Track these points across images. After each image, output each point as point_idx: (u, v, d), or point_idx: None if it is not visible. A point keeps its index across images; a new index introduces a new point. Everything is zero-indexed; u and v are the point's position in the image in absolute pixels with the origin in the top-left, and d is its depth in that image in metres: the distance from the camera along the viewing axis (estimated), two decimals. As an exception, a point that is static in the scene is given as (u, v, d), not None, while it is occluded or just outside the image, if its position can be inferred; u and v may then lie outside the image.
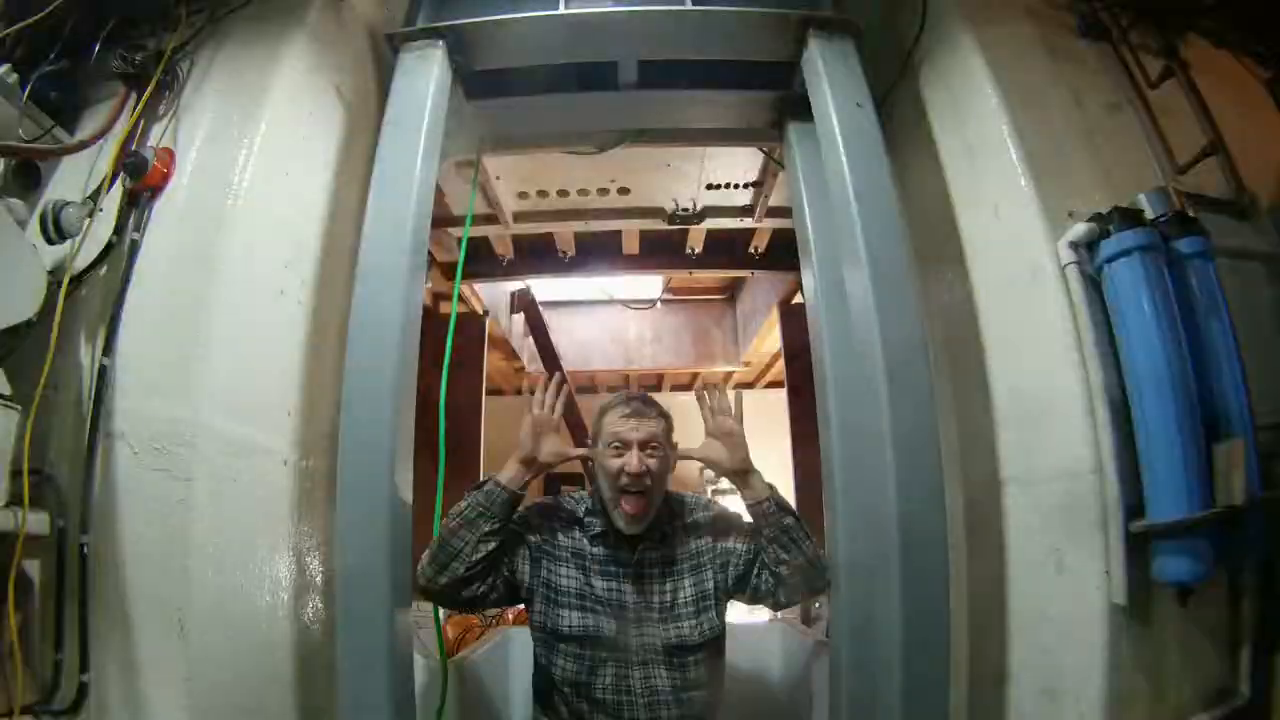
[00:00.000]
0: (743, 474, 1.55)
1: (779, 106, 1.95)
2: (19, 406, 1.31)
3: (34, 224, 1.40)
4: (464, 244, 2.02)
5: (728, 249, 3.64)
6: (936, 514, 1.30)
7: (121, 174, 1.48)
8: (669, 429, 1.58)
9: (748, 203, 3.04)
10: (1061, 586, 1.34)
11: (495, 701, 2.36)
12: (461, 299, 4.01)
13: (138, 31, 1.67)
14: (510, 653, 2.51)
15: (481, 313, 4.24)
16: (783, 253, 3.41)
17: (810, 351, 1.78)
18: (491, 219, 3.08)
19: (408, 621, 1.44)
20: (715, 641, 1.56)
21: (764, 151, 2.59)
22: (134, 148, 1.52)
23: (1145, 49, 1.74)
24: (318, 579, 1.60)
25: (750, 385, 6.89)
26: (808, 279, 1.83)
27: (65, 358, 1.39)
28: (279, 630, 1.48)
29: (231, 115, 1.56)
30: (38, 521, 1.28)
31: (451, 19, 1.74)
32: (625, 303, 5.42)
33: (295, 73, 1.65)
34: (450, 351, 1.75)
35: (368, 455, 1.38)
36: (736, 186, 2.94)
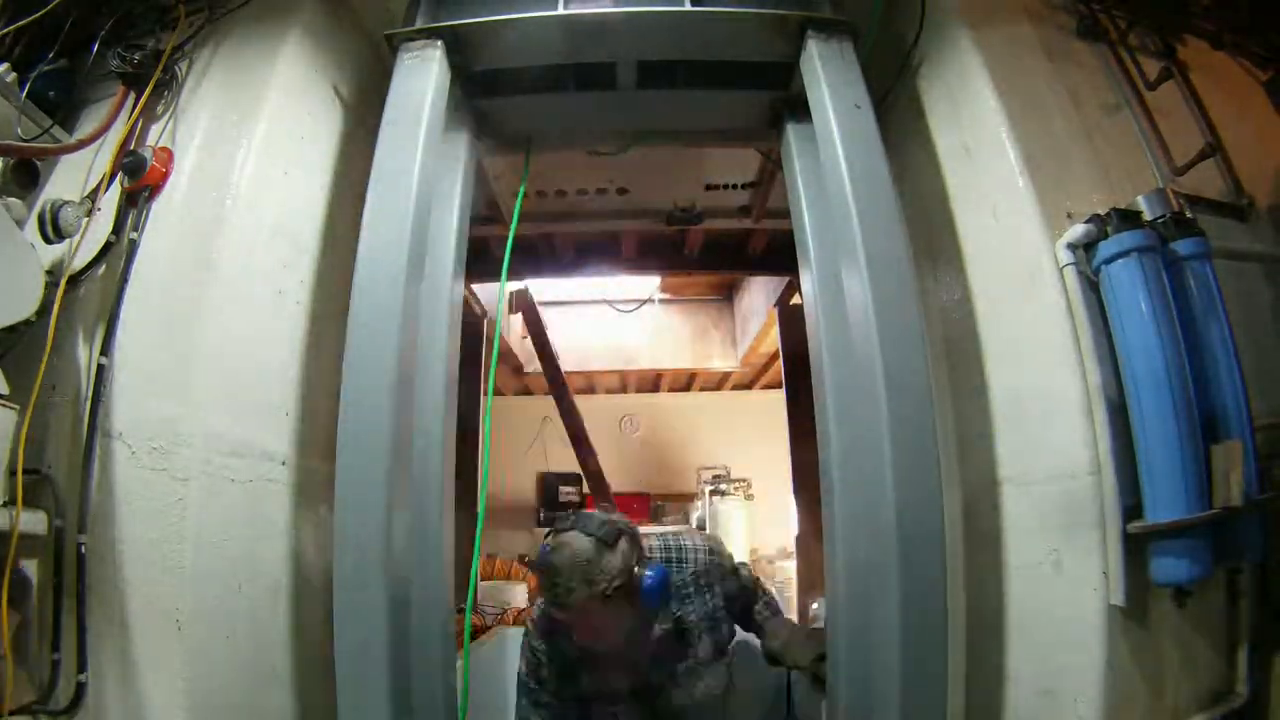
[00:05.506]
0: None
1: (777, 107, 1.94)
2: (17, 406, 1.31)
3: (32, 223, 1.40)
4: (509, 243, 1.89)
5: (727, 250, 3.64)
6: (935, 514, 1.29)
7: (120, 173, 1.48)
8: (600, 560, 1.48)
9: (746, 203, 3.04)
10: (1060, 587, 1.34)
11: (495, 701, 2.35)
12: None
13: (136, 31, 1.67)
14: (510, 653, 2.50)
15: (480, 314, 4.23)
16: (781, 254, 3.41)
17: (808, 352, 1.77)
18: (490, 219, 3.07)
19: (407, 621, 1.44)
20: None
21: (762, 152, 2.59)
22: (132, 147, 1.52)
23: (1143, 50, 1.74)
24: (316, 579, 1.59)
25: (748, 386, 6.90)
26: (806, 280, 1.82)
27: (63, 357, 1.39)
28: (277, 630, 1.48)
29: (230, 115, 1.56)
30: (35, 521, 1.28)
31: (450, 19, 1.73)
32: (613, 303, 5.40)
33: (294, 72, 1.65)
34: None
35: (366, 455, 1.37)
36: (735, 187, 2.93)
